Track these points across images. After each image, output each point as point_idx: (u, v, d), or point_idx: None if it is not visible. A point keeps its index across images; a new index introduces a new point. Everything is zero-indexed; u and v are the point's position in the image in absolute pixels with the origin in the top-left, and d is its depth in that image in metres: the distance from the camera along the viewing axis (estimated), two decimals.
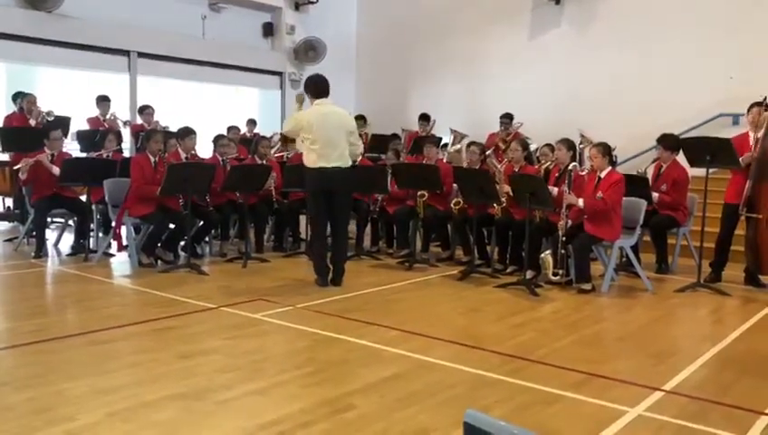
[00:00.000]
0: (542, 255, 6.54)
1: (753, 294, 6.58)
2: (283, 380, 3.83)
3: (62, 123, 8.72)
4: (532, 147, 8.56)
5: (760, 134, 6.52)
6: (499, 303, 5.95)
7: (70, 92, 11.13)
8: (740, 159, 6.43)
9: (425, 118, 11.28)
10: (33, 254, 7.34)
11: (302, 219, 8.40)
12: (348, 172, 6.19)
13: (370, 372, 3.95)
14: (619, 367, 4.21)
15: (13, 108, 9.13)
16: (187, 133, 7.71)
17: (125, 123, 9.83)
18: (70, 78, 11.46)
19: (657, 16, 10.87)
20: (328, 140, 6.06)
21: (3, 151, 8.71)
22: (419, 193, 7.69)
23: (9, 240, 8.41)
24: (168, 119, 9.96)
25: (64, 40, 10.48)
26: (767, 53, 9.74)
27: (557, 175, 7.01)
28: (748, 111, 6.80)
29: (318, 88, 6.24)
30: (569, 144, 7.07)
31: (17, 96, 9.05)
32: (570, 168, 6.58)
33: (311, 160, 6.12)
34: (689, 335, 5.37)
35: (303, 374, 3.94)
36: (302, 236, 8.52)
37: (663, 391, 3.78)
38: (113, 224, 7.20)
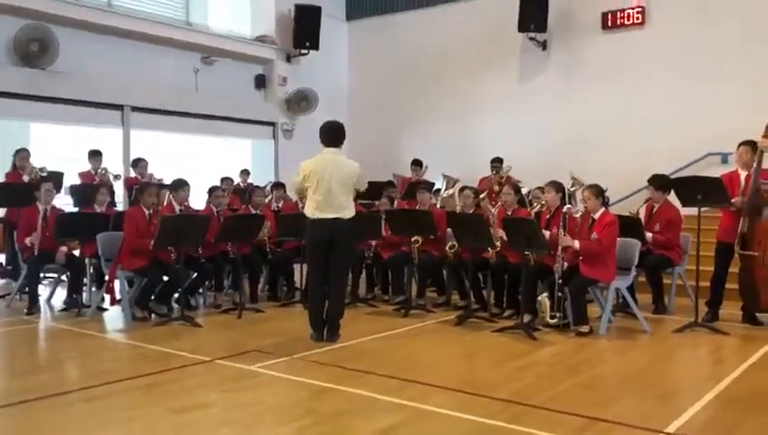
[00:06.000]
0: (539, 298, 6.52)
1: (751, 332, 6.54)
2: (282, 432, 3.77)
3: (56, 178, 8.72)
4: (524, 190, 8.61)
5: (751, 172, 6.58)
6: (497, 347, 5.90)
7: (64, 148, 11.18)
8: (732, 200, 6.47)
9: (417, 163, 11.36)
10: (25, 310, 7.27)
11: (297, 268, 8.37)
12: (347, 224, 6.02)
13: (369, 423, 3.89)
14: (620, 410, 4.15)
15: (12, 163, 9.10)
16: (180, 185, 7.71)
17: (115, 177, 9.84)
18: (64, 133, 11.53)
19: (642, 59, 11.09)
20: (328, 191, 5.93)
21: None
22: (413, 239, 7.69)
23: (1, 296, 8.33)
24: (162, 171, 9.99)
25: (58, 96, 10.56)
26: (752, 93, 9.91)
27: (548, 217, 7.04)
28: (737, 148, 6.85)
29: (326, 136, 6.09)
30: (557, 186, 7.12)
31: (18, 153, 9.03)
32: (564, 210, 6.61)
33: (310, 210, 6.02)
34: (690, 376, 5.32)
35: (302, 426, 3.87)
36: (297, 285, 8.48)
37: (666, 433, 3.73)
38: (106, 278, 7.16)
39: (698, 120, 10.32)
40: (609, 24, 11.55)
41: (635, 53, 11.21)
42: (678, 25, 10.84)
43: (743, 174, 6.71)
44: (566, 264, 6.43)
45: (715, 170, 7.97)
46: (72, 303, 7.49)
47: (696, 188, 6.42)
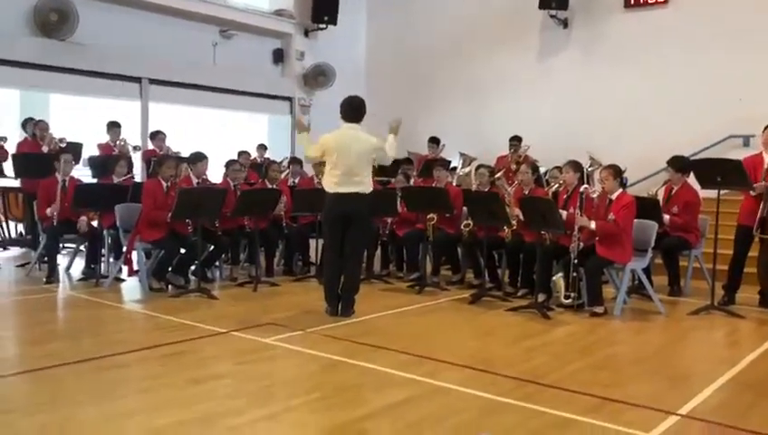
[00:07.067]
0: (554, 277, 6.50)
1: None
2: (294, 405, 3.80)
3: (75, 150, 8.79)
4: (542, 169, 8.54)
5: None
6: (511, 326, 5.91)
7: (82, 119, 11.24)
8: (754, 185, 6.38)
9: (434, 141, 11.31)
10: (44, 279, 7.37)
11: (312, 243, 8.40)
12: (367, 199, 6.02)
13: (381, 397, 3.92)
14: (633, 391, 4.15)
15: (24, 134, 9.23)
16: (198, 158, 7.76)
17: (134, 148, 9.89)
18: (82, 104, 11.57)
19: (664, 39, 10.92)
20: (348, 166, 5.91)
21: (16, 177, 8.79)
22: (429, 216, 7.68)
23: (21, 265, 8.45)
24: (180, 144, 10.03)
25: (77, 67, 10.61)
26: None
27: (565, 197, 7.00)
28: (763, 131, 6.74)
29: (348, 111, 6.06)
30: (576, 166, 7.07)
31: (27, 122, 9.15)
32: (581, 190, 6.56)
33: (329, 185, 6.00)
34: (704, 358, 5.29)
35: (314, 399, 3.91)
36: (312, 259, 8.52)
37: (679, 415, 3.72)
38: (124, 249, 7.23)
39: (720, 101, 10.17)
40: (632, 2, 11.38)
41: (657, 32, 11.03)
42: (702, 4, 10.63)
43: (766, 157, 6.61)
44: (582, 244, 6.40)
45: (737, 153, 7.87)
46: (90, 273, 7.59)
47: (715, 171, 6.34)
